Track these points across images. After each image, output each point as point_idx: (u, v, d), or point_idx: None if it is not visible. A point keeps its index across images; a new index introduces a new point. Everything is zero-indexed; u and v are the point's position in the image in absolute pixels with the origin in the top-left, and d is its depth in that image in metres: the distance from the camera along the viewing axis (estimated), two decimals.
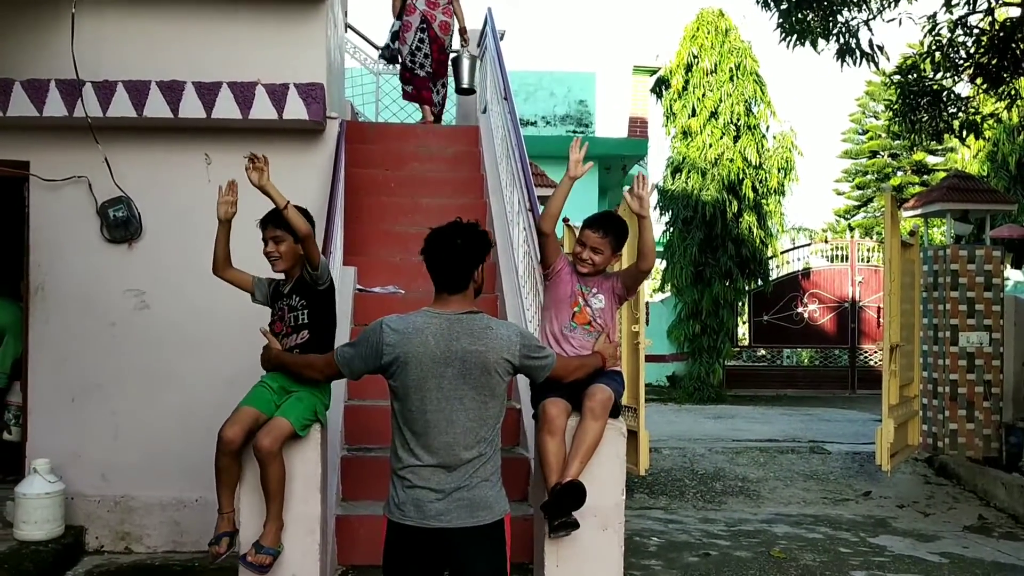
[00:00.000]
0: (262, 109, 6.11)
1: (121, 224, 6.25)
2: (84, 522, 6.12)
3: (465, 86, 8.75)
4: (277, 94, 6.12)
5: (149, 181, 6.28)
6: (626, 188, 4.23)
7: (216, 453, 4.00)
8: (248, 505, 4.08)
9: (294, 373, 3.99)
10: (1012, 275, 14.92)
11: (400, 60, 8.61)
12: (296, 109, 6.14)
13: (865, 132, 34.38)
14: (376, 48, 10.11)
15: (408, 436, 3.18)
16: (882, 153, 33.34)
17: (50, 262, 6.27)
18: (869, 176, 33.86)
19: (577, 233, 4.46)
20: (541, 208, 4.88)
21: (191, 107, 6.07)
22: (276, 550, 3.99)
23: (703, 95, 15.50)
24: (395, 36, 8.62)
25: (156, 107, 6.05)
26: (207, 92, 6.07)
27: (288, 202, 4.07)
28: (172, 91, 6.06)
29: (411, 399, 3.16)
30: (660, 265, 18.79)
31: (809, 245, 18.93)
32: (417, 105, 8.85)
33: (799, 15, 8.95)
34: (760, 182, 15.45)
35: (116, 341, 6.26)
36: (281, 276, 4.32)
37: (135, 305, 6.28)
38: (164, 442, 6.12)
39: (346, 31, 9.26)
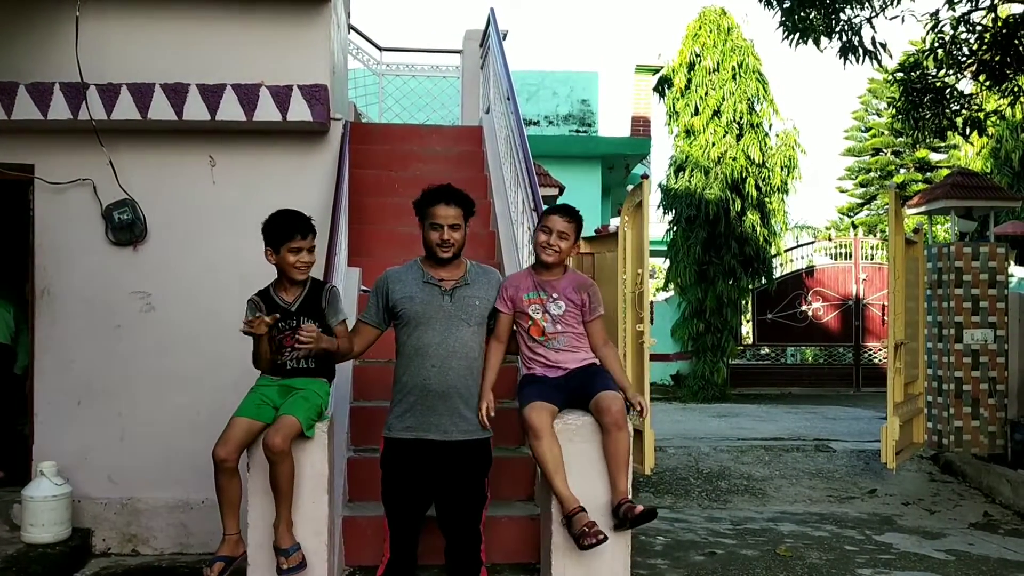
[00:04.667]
0: (266, 111, 6.11)
1: (126, 226, 6.26)
2: (91, 524, 6.13)
3: None
4: (281, 96, 6.12)
5: (154, 183, 6.29)
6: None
7: (214, 472, 4.00)
8: (258, 508, 4.07)
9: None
10: (1016, 272, 14.89)
11: None
12: (300, 111, 6.14)
13: (868, 130, 34.38)
14: (378, 48, 10.10)
15: None
16: (885, 151, 33.35)
17: (56, 265, 6.28)
18: (872, 174, 33.86)
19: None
20: (544, 207, 4.89)
21: (195, 109, 6.07)
22: (298, 545, 3.99)
23: (706, 94, 15.49)
24: None
25: (160, 109, 6.06)
26: (211, 94, 6.07)
27: (339, 342, 4.14)
28: (176, 93, 6.06)
29: None
30: (664, 264, 18.79)
31: (813, 243, 18.88)
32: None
33: (802, 13, 8.94)
34: (763, 180, 15.43)
35: (122, 343, 6.26)
36: (261, 287, 4.27)
37: (141, 307, 6.29)
38: (170, 444, 6.13)
39: (349, 32, 9.27)
